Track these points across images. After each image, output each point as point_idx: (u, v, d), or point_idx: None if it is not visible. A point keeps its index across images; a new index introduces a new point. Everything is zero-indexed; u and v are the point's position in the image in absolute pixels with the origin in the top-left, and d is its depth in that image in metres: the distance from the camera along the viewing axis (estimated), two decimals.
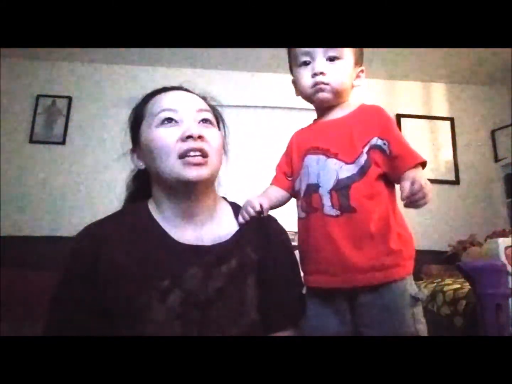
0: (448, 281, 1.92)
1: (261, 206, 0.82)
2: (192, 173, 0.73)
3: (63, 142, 2.90)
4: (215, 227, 0.81)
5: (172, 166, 0.73)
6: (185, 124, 0.76)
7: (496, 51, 2.63)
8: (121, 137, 0.87)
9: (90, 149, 2.88)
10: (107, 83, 3.03)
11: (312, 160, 0.84)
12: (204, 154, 0.75)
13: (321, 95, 0.86)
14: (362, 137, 0.82)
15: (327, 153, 0.82)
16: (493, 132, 3.11)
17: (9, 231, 2.57)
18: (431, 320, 1.73)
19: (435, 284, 1.94)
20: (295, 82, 0.94)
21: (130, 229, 0.77)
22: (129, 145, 0.86)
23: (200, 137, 0.74)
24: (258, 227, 0.82)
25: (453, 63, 2.92)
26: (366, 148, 0.81)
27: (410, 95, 3.19)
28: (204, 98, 0.87)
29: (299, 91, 0.92)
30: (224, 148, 0.86)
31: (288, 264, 0.83)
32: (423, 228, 2.75)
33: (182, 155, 0.73)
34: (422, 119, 3.13)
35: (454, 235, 2.68)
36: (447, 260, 2.60)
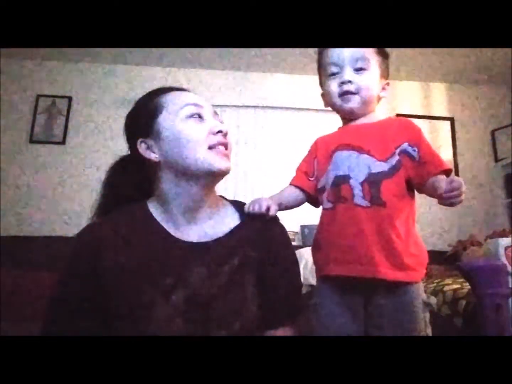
0: (448, 281, 1.92)
1: (268, 209, 0.82)
2: (223, 164, 0.78)
3: (63, 142, 2.90)
4: (217, 224, 0.81)
5: (204, 157, 0.76)
6: (209, 120, 0.80)
7: (496, 51, 2.63)
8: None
9: (90, 149, 2.88)
10: (107, 83, 3.03)
11: (342, 155, 0.86)
12: (228, 149, 0.81)
13: (349, 104, 0.88)
14: (394, 139, 0.84)
15: (360, 150, 0.84)
16: (493, 132, 3.11)
17: (9, 231, 2.57)
18: (431, 320, 1.73)
19: (435, 284, 1.94)
20: (323, 95, 0.96)
21: (131, 229, 0.77)
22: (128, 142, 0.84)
23: (226, 134, 0.80)
24: (259, 225, 0.83)
25: (453, 63, 2.92)
26: (398, 150, 0.83)
27: (410, 95, 3.19)
28: None
29: (327, 101, 0.94)
30: None
31: (287, 263, 0.84)
32: (423, 228, 2.75)
33: (211, 147, 0.77)
34: (422, 119, 3.13)
35: (454, 235, 2.68)
36: (447, 260, 2.59)
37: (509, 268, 1.41)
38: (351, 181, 0.82)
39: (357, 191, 0.81)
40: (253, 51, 2.79)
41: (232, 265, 0.76)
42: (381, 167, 0.82)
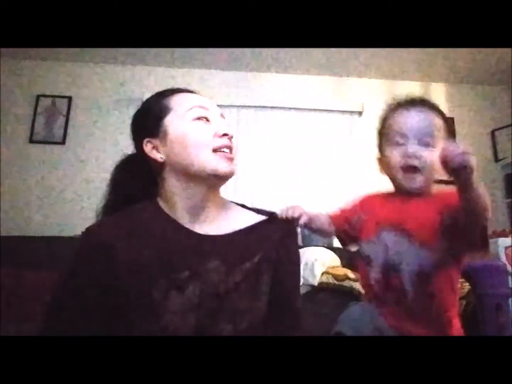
0: None
1: (299, 216, 0.83)
2: (227, 167, 0.78)
3: (63, 142, 2.90)
4: (226, 222, 0.82)
5: (208, 159, 0.77)
6: (216, 123, 0.80)
7: (496, 51, 2.63)
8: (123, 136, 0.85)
9: (90, 149, 2.88)
10: (107, 83, 3.02)
11: (393, 238, 0.83)
12: (233, 153, 0.80)
13: (412, 184, 0.84)
14: (439, 221, 0.80)
15: (410, 236, 0.82)
16: (493, 132, 3.11)
17: (9, 231, 2.56)
18: None
19: None
20: (381, 160, 0.91)
21: (143, 224, 0.77)
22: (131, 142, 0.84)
23: (231, 137, 0.80)
24: (281, 230, 0.83)
25: (453, 63, 2.92)
26: (442, 230, 0.79)
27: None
28: None
29: (385, 169, 0.90)
30: None
31: (296, 278, 0.85)
32: None
33: (216, 150, 0.77)
34: None
35: None
36: None
37: (509, 268, 1.41)
38: (402, 273, 0.81)
39: (408, 285, 0.80)
40: (254, 51, 2.79)
41: (252, 263, 0.76)
42: (431, 259, 0.80)
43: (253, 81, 3.07)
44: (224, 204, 0.86)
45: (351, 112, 3.02)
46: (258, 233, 0.81)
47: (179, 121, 0.79)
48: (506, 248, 1.53)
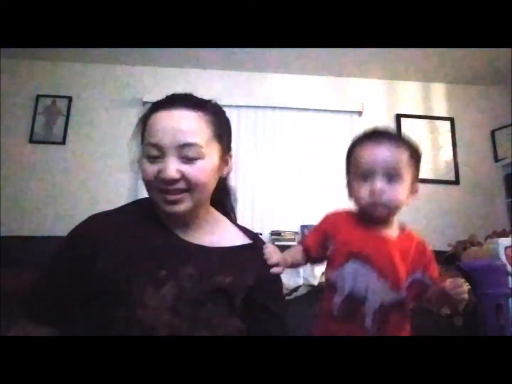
0: None
1: (276, 264, 0.83)
2: (171, 209, 0.76)
3: (63, 142, 2.90)
4: (213, 237, 0.83)
5: (156, 198, 0.77)
6: (165, 161, 0.74)
7: (496, 51, 2.63)
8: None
9: (90, 149, 2.88)
10: (107, 83, 3.03)
11: (361, 271, 0.84)
12: (183, 190, 0.75)
13: (377, 213, 0.86)
14: (409, 267, 0.86)
15: (379, 273, 0.84)
16: (493, 132, 3.11)
17: (9, 231, 2.57)
18: (431, 320, 1.73)
19: None
20: (349, 187, 0.92)
21: (136, 221, 0.80)
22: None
23: (175, 180, 0.74)
24: (262, 262, 0.83)
25: (453, 63, 2.92)
26: (410, 279, 0.86)
27: (410, 95, 3.19)
28: (216, 114, 0.81)
29: (352, 194, 0.91)
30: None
31: (278, 311, 0.84)
32: (423, 228, 2.73)
33: (161, 191, 0.75)
34: (422, 119, 3.13)
35: (454, 235, 2.68)
36: (447, 260, 2.59)
37: (509, 268, 1.41)
38: (366, 307, 0.83)
39: (369, 319, 0.83)
40: (254, 51, 2.79)
41: (223, 279, 0.75)
42: (392, 299, 0.83)
43: (253, 81, 3.08)
44: (212, 217, 0.86)
45: (351, 112, 3.02)
46: (236, 257, 0.80)
47: (140, 149, 0.79)
48: (506, 248, 1.53)
